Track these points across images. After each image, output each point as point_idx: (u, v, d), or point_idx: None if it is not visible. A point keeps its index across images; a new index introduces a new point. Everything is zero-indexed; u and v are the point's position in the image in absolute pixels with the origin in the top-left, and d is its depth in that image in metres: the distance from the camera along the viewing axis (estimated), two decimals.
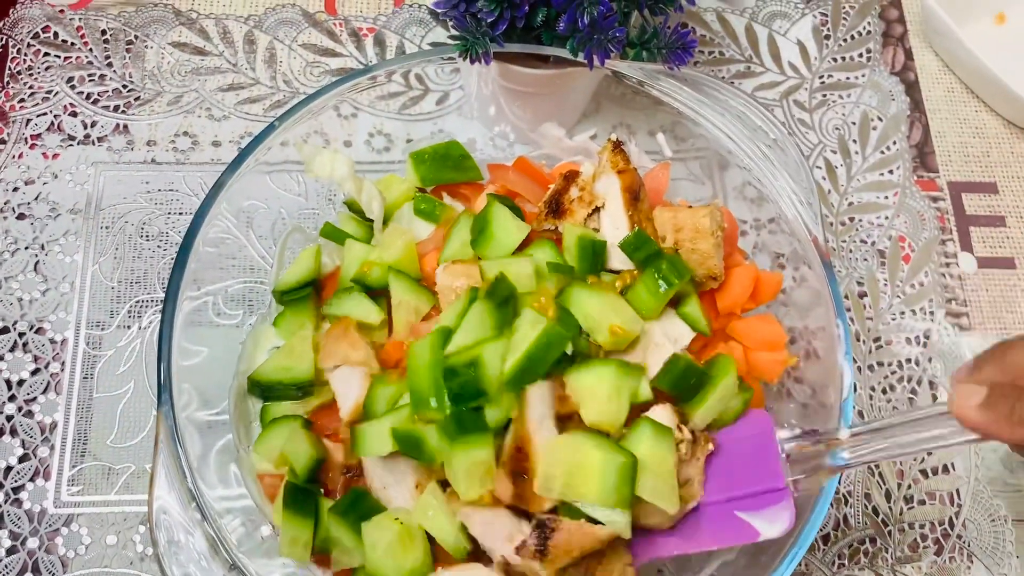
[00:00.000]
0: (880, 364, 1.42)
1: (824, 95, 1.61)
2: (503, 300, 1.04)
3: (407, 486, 1.07)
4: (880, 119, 1.60)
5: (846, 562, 1.30)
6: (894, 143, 1.58)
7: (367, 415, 1.09)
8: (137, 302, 1.38)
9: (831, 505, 1.30)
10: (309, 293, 1.25)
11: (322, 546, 1.09)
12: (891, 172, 1.55)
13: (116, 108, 1.51)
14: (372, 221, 1.29)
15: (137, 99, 1.52)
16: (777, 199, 1.23)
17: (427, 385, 1.01)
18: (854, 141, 1.58)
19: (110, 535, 1.25)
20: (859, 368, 1.43)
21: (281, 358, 1.19)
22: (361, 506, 1.06)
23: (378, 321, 1.16)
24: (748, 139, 1.23)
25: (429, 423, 1.01)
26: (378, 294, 1.20)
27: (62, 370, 1.33)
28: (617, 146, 1.17)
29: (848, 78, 1.63)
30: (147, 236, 1.43)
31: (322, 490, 1.12)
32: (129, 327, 1.37)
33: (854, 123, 1.59)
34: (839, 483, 1.17)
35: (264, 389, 1.19)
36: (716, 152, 1.34)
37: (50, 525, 1.25)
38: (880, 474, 1.35)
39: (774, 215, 1.32)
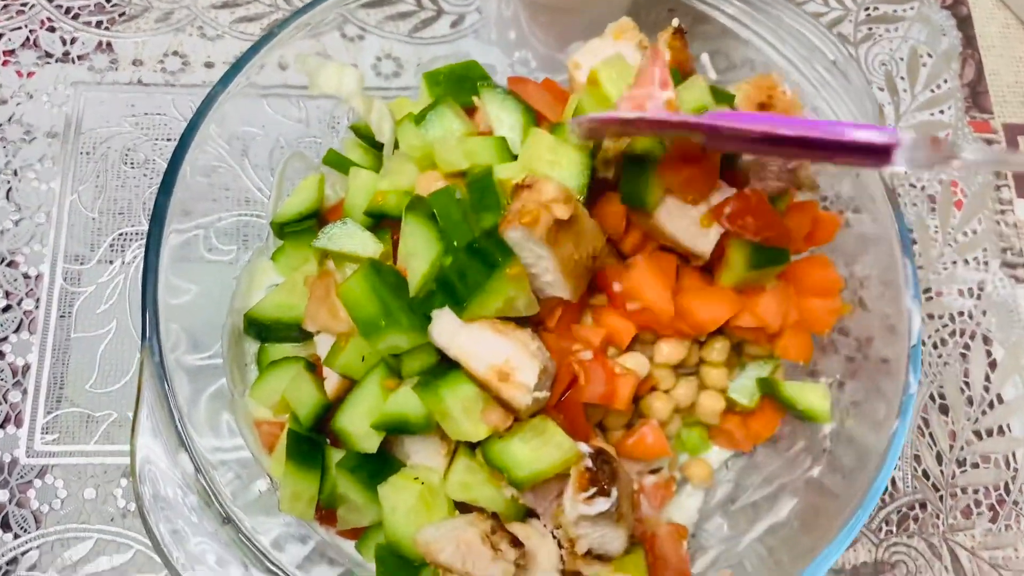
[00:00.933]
0: (931, 317, 1.31)
1: (870, 28, 1.49)
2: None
3: (428, 441, 0.96)
4: (930, 56, 1.47)
5: (894, 528, 1.19)
6: (945, 81, 1.46)
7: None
8: (120, 235, 1.26)
9: None
10: (311, 225, 1.12)
11: (328, 503, 0.98)
12: (942, 112, 1.44)
13: (99, 24, 1.37)
14: (380, 148, 1.16)
15: (122, 15, 1.38)
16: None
17: (373, 310, 0.91)
18: (902, 78, 1.45)
19: (88, 488, 1.14)
20: None
21: (281, 295, 1.07)
22: (375, 461, 0.95)
23: (376, 255, 1.03)
24: (804, 61, 1.11)
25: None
26: (382, 226, 1.07)
27: (36, 307, 1.21)
28: (679, 32, 1.07)
29: (896, 11, 1.50)
30: (132, 163, 1.30)
31: (328, 440, 1.00)
32: (111, 262, 1.24)
33: (902, 59, 1.47)
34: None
35: (262, 329, 1.08)
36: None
37: (22, 476, 1.13)
38: (931, 435, 1.24)
39: None
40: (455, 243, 0.92)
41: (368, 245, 1.03)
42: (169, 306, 1.03)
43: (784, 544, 0.97)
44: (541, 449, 0.89)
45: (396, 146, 1.14)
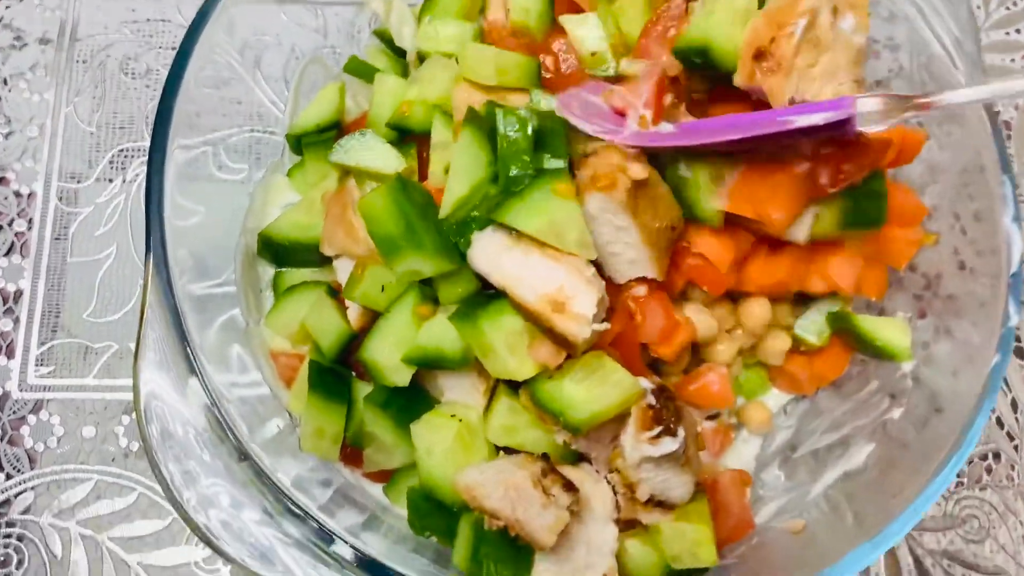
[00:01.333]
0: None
1: None
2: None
3: (465, 376, 0.85)
4: None
5: (965, 480, 1.10)
6: None
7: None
8: (121, 151, 1.14)
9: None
10: (331, 138, 1.01)
11: (354, 441, 0.88)
12: (1019, 31, 1.31)
13: None
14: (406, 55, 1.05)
15: None
16: (925, 40, 0.99)
17: (394, 228, 0.81)
18: None
19: (87, 426, 1.04)
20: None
21: (298, 214, 0.97)
22: (407, 395, 0.85)
23: (399, 170, 0.92)
24: None
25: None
26: (407, 141, 0.96)
27: (29, 229, 1.10)
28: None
29: None
30: (133, 73, 1.18)
31: (354, 373, 0.90)
32: (111, 180, 1.13)
33: None
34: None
35: (278, 250, 0.97)
36: None
37: (14, 412, 1.03)
38: (1005, 379, 1.14)
39: (884, 75, 1.10)
40: (511, 172, 0.82)
41: (390, 160, 0.93)
42: (175, 228, 0.93)
43: (863, 493, 0.88)
44: (598, 388, 0.78)
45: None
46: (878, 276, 0.98)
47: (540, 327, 0.79)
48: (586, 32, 0.96)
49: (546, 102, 0.88)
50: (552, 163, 0.83)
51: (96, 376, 1.06)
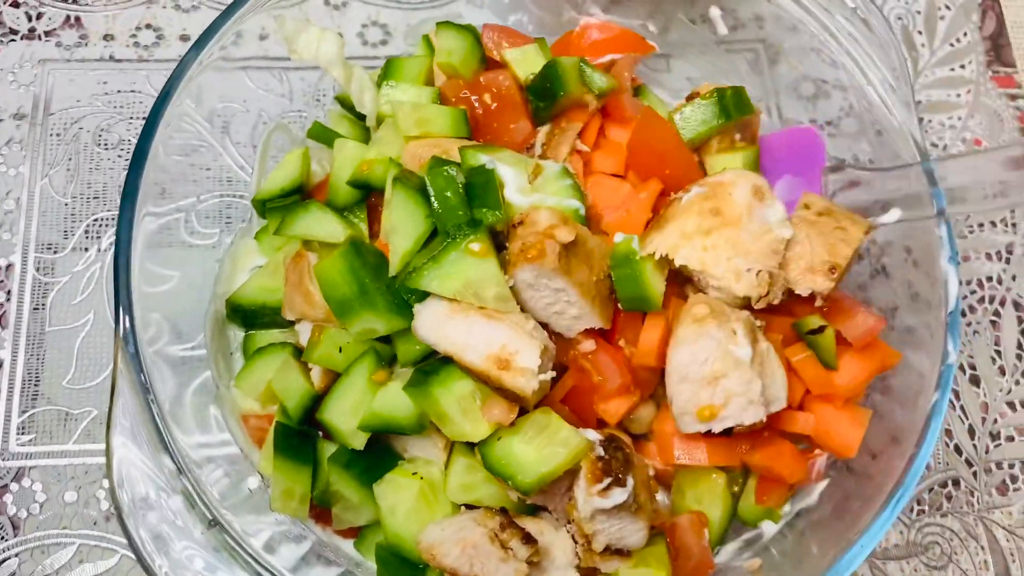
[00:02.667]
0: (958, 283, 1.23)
1: None
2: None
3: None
4: (948, 8, 1.39)
5: (926, 508, 1.12)
6: (965, 35, 1.38)
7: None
8: (95, 220, 1.18)
9: None
10: (296, 201, 1.05)
11: (321, 500, 0.90)
12: (963, 67, 1.36)
13: None
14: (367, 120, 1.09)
15: None
16: (858, 84, 1.03)
17: (348, 290, 0.85)
18: (919, 33, 1.37)
19: (69, 491, 1.06)
20: None
21: (264, 278, 1.00)
22: (370, 455, 0.88)
23: (342, 239, 0.95)
24: (824, 11, 1.03)
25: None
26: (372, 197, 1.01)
27: (8, 300, 1.13)
28: None
29: None
30: (105, 144, 1.22)
31: (320, 433, 0.93)
32: (86, 249, 1.17)
33: (919, 12, 1.39)
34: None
35: (246, 315, 1.00)
36: (772, 37, 1.15)
37: None
38: (962, 408, 1.17)
39: (836, 114, 1.14)
40: (448, 227, 0.85)
41: (335, 229, 0.96)
42: (148, 294, 0.97)
43: (816, 529, 0.90)
44: (546, 447, 0.81)
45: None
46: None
47: (491, 386, 0.82)
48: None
49: (476, 157, 0.92)
50: (487, 216, 0.86)
51: (76, 441, 1.08)
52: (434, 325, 0.82)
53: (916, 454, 0.84)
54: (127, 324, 0.85)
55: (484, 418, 0.81)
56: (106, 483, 1.06)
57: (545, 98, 1.00)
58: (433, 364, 0.84)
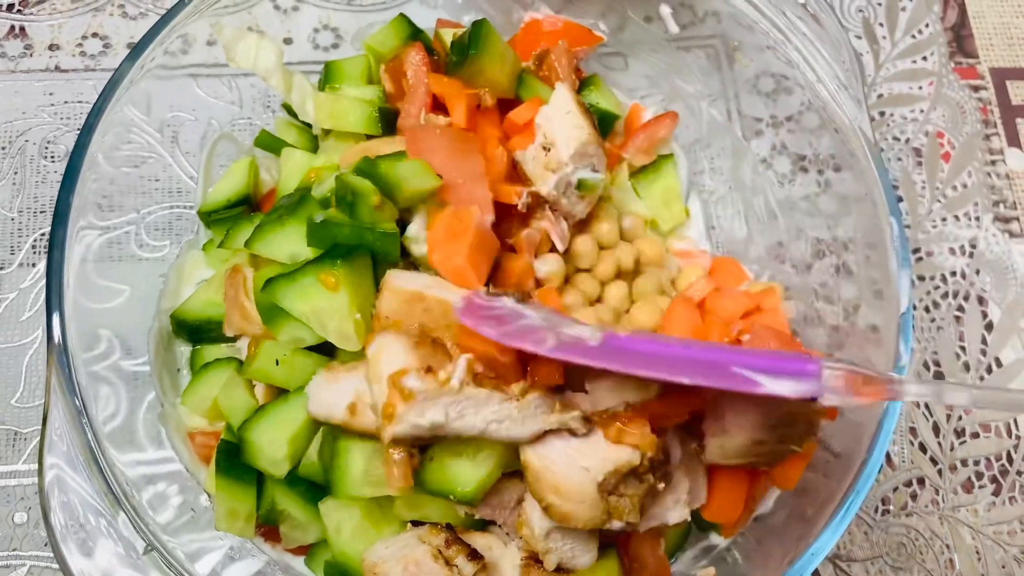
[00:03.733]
0: (922, 278, 1.22)
1: None
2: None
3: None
4: None
5: (891, 507, 1.11)
6: (926, 26, 1.36)
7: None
8: (43, 235, 1.16)
9: None
10: (242, 212, 1.03)
11: (267, 519, 0.89)
12: (924, 59, 1.34)
13: (10, 7, 1.26)
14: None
15: None
16: (810, 82, 1.02)
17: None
18: (881, 25, 1.36)
19: (19, 512, 1.05)
20: None
21: (210, 291, 0.98)
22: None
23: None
24: (775, 8, 1.01)
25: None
26: None
27: None
28: None
29: None
30: (52, 157, 1.19)
31: None
32: (34, 265, 1.14)
33: (880, 4, 1.37)
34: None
35: (192, 330, 0.98)
36: (729, 33, 1.13)
37: None
38: (926, 406, 1.16)
39: (797, 109, 1.12)
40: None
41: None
42: (95, 310, 0.96)
43: (771, 536, 0.89)
44: (478, 453, 0.79)
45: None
46: None
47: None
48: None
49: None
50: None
51: (26, 461, 1.06)
52: (318, 400, 0.81)
53: (867, 458, 0.82)
54: (60, 342, 0.83)
55: (390, 489, 0.78)
56: None
57: (461, 53, 0.99)
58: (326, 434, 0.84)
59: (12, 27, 1.25)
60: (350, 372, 0.81)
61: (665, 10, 1.09)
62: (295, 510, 0.86)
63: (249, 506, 0.87)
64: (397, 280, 0.82)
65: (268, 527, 0.90)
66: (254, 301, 0.84)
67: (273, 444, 0.83)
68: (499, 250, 0.91)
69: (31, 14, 1.26)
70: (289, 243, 0.86)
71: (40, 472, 0.79)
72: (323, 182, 0.93)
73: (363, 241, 0.83)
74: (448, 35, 1.07)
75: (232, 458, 0.87)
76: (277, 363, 0.86)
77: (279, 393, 0.88)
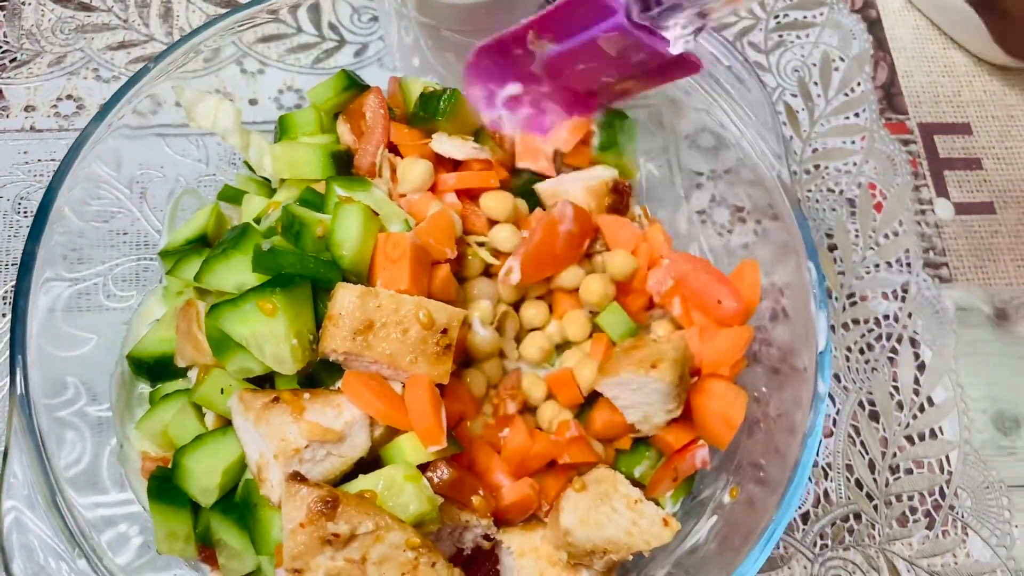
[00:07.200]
0: (856, 322, 1.28)
1: (780, 36, 1.48)
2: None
3: None
4: (842, 59, 1.47)
5: (829, 542, 1.15)
6: (858, 84, 1.45)
7: None
8: (14, 287, 1.19)
9: (810, 479, 1.17)
10: (195, 249, 1.07)
11: (204, 540, 0.92)
12: (857, 115, 1.42)
13: None
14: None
15: (13, 60, 1.34)
16: (740, 140, 1.09)
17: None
18: (815, 84, 1.44)
19: None
20: (832, 327, 1.29)
21: (163, 329, 1.02)
22: (249, 498, 0.88)
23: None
24: (706, 74, 1.09)
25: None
26: None
27: None
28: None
29: (805, 17, 1.50)
30: (25, 212, 1.25)
31: None
32: (5, 315, 1.19)
33: (814, 64, 1.46)
34: (817, 454, 1.03)
35: (150, 368, 1.02)
36: (669, 94, 1.20)
37: None
38: (862, 443, 1.21)
39: (733, 163, 1.19)
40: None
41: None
42: (62, 358, 1.00)
43: (701, 567, 0.93)
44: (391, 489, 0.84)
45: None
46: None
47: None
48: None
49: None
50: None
51: None
52: (243, 438, 0.86)
53: (786, 491, 0.87)
54: (22, 388, 0.87)
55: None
56: None
57: (430, 111, 1.06)
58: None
59: None
60: (257, 424, 0.84)
61: None
62: (231, 537, 0.88)
63: (186, 527, 0.90)
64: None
65: (209, 549, 0.93)
66: (207, 333, 0.89)
67: (207, 473, 0.86)
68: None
69: (8, 78, 1.33)
70: (234, 274, 0.90)
71: None
72: (269, 215, 1.01)
73: (306, 270, 0.88)
74: (416, 85, 1.13)
75: (163, 483, 0.90)
76: (222, 392, 0.90)
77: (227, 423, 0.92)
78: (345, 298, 0.86)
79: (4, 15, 1.37)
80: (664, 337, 1.02)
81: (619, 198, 1.09)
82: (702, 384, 0.99)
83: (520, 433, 0.95)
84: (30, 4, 1.38)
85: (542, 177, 1.12)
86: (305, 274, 0.89)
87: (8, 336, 1.15)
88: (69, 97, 1.33)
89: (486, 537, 0.91)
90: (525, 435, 0.95)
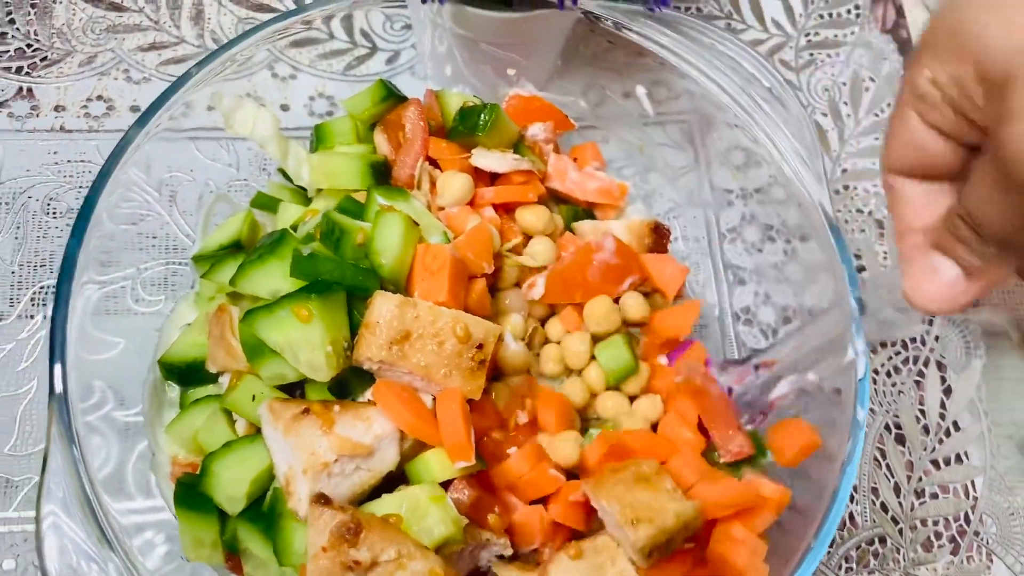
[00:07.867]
0: (883, 345, 1.28)
1: (811, 54, 1.48)
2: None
3: None
4: (872, 80, 1.46)
5: (854, 566, 1.15)
6: (888, 105, 1.45)
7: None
8: (42, 288, 1.20)
9: None
10: (230, 253, 1.07)
11: (230, 547, 0.91)
12: None
13: (19, 70, 1.32)
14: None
15: (44, 59, 1.33)
16: (775, 159, 1.08)
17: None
18: (845, 103, 1.44)
19: (7, 559, 1.07)
20: None
21: (194, 333, 1.01)
22: (275, 508, 0.87)
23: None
24: (741, 91, 1.08)
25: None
26: None
27: None
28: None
29: (836, 36, 1.50)
30: (54, 213, 1.24)
31: None
32: (32, 316, 1.18)
33: (844, 84, 1.46)
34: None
35: (180, 373, 1.01)
36: (702, 110, 1.20)
37: None
38: (888, 466, 1.21)
39: (765, 182, 1.19)
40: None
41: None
42: (91, 362, 0.99)
43: None
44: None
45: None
46: None
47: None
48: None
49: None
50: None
51: (16, 509, 1.09)
52: (272, 448, 0.85)
53: (826, 516, 0.87)
54: (61, 393, 0.87)
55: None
56: None
57: (470, 126, 1.06)
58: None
59: (20, 88, 1.31)
60: (286, 436, 0.83)
61: (640, 91, 1.16)
62: (256, 547, 0.87)
63: (213, 534, 0.90)
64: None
65: (235, 557, 0.91)
66: (240, 338, 0.88)
67: (235, 481, 0.86)
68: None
69: (39, 77, 1.32)
70: (270, 279, 0.90)
71: (37, 518, 0.82)
72: (307, 222, 1.00)
73: (344, 277, 0.88)
74: (453, 99, 1.13)
75: (189, 489, 0.89)
76: (253, 398, 0.89)
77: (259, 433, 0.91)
78: (383, 307, 0.86)
79: (35, 13, 1.36)
80: (673, 488, 0.88)
81: (659, 239, 1.09)
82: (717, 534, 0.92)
83: (521, 459, 0.93)
84: (61, 3, 1.37)
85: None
86: (343, 281, 0.89)
87: (36, 338, 1.17)
88: (99, 98, 1.32)
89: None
90: (524, 462, 0.93)
